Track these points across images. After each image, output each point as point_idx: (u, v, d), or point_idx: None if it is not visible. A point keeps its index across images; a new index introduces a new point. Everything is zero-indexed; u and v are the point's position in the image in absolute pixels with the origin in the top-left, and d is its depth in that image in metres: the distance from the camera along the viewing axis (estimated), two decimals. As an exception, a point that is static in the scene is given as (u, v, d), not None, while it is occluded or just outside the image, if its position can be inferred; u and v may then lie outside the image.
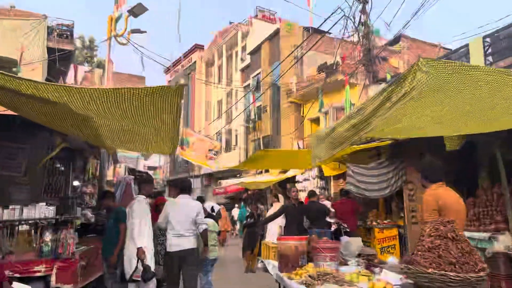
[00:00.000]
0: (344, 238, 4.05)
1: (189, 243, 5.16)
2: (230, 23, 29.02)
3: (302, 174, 13.04)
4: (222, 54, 31.38)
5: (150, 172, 25.80)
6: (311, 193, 7.74)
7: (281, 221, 8.23)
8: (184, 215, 5.24)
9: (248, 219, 8.47)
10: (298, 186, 13.13)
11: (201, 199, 7.64)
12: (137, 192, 5.85)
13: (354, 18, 9.52)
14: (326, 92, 17.66)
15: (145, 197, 5.28)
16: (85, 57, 30.86)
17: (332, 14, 9.19)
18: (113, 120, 4.14)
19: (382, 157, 8.01)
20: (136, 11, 9.42)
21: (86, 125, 5.08)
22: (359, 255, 3.63)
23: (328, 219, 7.41)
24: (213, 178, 29.83)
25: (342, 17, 9.74)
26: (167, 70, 39.46)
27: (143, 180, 5.69)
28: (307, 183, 12.42)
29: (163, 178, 39.71)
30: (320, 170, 12.04)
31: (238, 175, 23.27)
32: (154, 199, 8.57)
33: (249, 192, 22.91)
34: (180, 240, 5.13)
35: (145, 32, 10.89)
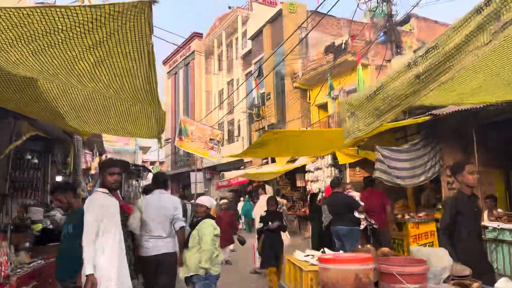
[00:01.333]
0: (414, 249, 2.71)
1: (167, 245, 4.47)
2: (229, 7, 27.56)
3: (313, 162, 11.75)
4: (221, 42, 29.98)
5: (150, 167, 24.58)
6: (336, 182, 6.43)
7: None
8: (160, 213, 4.51)
9: (269, 223, 6.03)
10: (309, 176, 11.84)
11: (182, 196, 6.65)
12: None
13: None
14: (334, 75, 16.28)
15: (107, 190, 3.53)
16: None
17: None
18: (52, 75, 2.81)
19: (414, 138, 6.70)
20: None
21: (36, 97, 3.80)
22: (448, 278, 2.31)
23: (356, 215, 6.12)
24: (215, 171, 28.61)
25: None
26: (166, 61, 38.13)
27: (102, 165, 3.81)
28: (319, 172, 11.13)
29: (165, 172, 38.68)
30: (334, 158, 10.73)
31: (242, 167, 22.00)
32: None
33: (254, 184, 21.67)
34: (158, 242, 4.42)
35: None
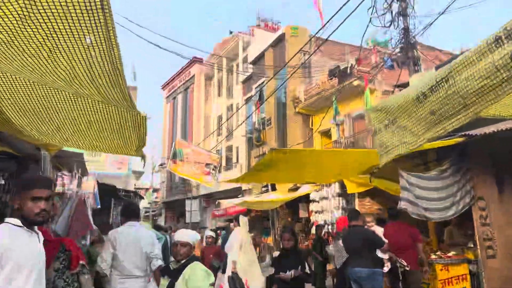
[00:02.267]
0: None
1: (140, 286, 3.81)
2: (230, 32, 27.24)
3: (318, 191, 10.75)
4: (222, 67, 29.53)
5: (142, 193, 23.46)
6: (354, 214, 5.41)
7: (236, 253, 5.92)
8: (135, 249, 3.85)
9: (287, 271, 4.41)
10: (314, 206, 10.82)
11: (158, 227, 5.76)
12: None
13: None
14: (339, 100, 15.54)
15: (20, 222, 2.16)
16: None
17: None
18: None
19: (436, 165, 5.77)
20: None
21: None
22: None
23: (379, 254, 5.10)
24: (212, 199, 27.45)
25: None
26: (165, 85, 37.66)
27: (20, 185, 2.31)
28: (325, 202, 10.11)
29: (160, 200, 37.33)
30: (342, 186, 9.75)
31: (240, 196, 20.91)
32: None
33: (252, 214, 20.50)
34: (130, 283, 3.79)
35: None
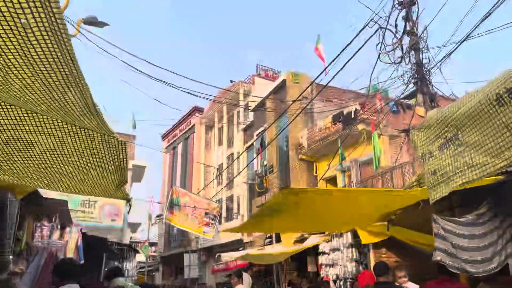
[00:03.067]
0: None
1: None
2: (231, 82, 27.31)
3: (328, 242, 9.77)
4: (222, 115, 29.36)
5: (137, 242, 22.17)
6: (381, 267, 4.46)
7: None
8: None
9: None
10: (323, 259, 9.78)
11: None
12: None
13: (396, 26, 7.05)
14: (343, 145, 14.93)
15: None
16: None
17: (363, 28, 6.69)
18: None
19: (480, 208, 4.95)
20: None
21: None
22: None
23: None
24: (211, 253, 26.00)
25: (377, 30, 7.25)
26: (165, 136, 37.39)
27: None
28: (337, 255, 9.10)
29: (157, 255, 35.61)
30: (355, 236, 8.82)
31: (241, 248, 19.67)
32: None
33: (255, 269, 19.13)
34: None
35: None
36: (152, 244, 43.78)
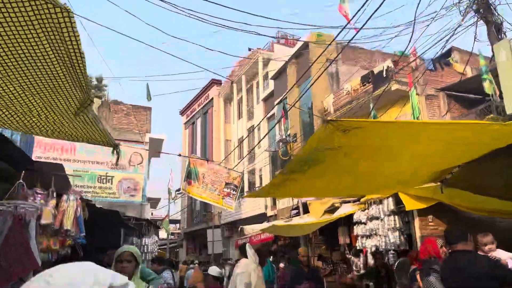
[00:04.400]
0: None
1: None
2: (249, 49, 25.92)
3: (363, 210, 8.63)
4: (241, 87, 28.12)
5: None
6: (458, 233, 3.24)
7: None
8: None
9: None
10: (359, 229, 8.66)
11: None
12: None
13: None
14: (375, 108, 13.56)
15: None
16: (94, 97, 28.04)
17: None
18: None
19: None
20: None
21: None
22: None
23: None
24: (235, 227, 25.33)
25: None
26: (183, 111, 36.53)
27: None
28: (375, 224, 7.96)
29: (181, 230, 35.41)
30: (398, 202, 7.65)
31: (265, 222, 18.77)
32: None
33: (280, 243, 18.27)
34: None
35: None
36: (175, 221, 43.75)
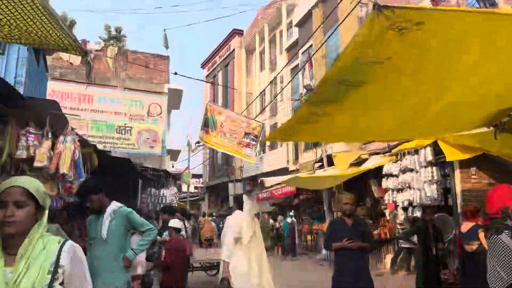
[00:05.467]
0: None
1: None
2: (273, -4, 24.28)
3: (395, 162, 7.84)
4: (264, 37, 26.74)
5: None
6: None
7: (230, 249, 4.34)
8: None
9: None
10: (390, 182, 7.93)
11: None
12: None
13: None
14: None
15: None
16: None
17: None
18: None
19: None
20: None
21: None
22: None
23: None
24: (256, 181, 25.07)
25: None
26: (204, 64, 35.53)
27: None
28: (409, 176, 7.19)
29: (203, 184, 35.63)
30: (437, 152, 6.80)
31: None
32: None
33: (302, 197, 17.82)
34: None
35: None
36: (198, 176, 44.09)
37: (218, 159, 31.92)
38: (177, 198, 15.44)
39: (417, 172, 7.01)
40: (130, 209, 3.32)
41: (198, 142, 22.17)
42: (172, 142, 18.69)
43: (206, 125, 10.53)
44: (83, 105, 16.60)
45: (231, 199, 26.33)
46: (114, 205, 3.26)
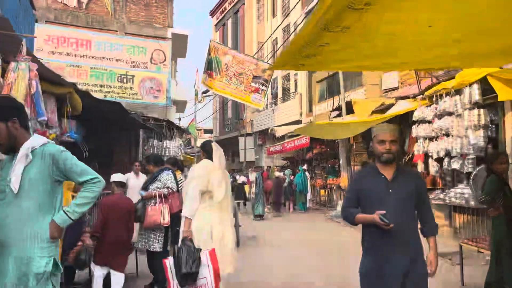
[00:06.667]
0: None
1: None
2: None
3: (428, 106, 6.63)
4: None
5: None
6: None
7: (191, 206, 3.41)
8: None
9: None
10: (421, 130, 6.76)
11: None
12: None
13: None
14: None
15: None
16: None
17: None
18: None
19: None
20: None
21: None
22: None
23: None
24: (268, 135, 24.07)
25: None
26: (213, 11, 33.52)
27: None
28: (448, 121, 6.01)
29: (213, 138, 34.81)
30: (484, 92, 5.55)
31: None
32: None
33: (315, 151, 16.80)
34: None
35: None
36: (208, 131, 43.28)
37: (228, 113, 30.86)
38: (183, 151, 14.55)
39: (458, 116, 5.81)
40: (60, 148, 2.18)
41: (205, 92, 20.94)
42: (177, 93, 17.52)
43: (210, 67, 9.35)
44: (81, 50, 15.42)
45: (241, 153, 25.56)
46: (35, 140, 2.12)
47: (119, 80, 15.67)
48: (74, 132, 6.27)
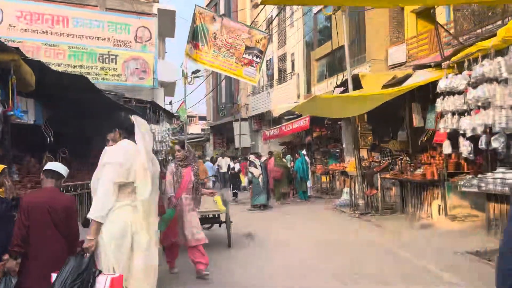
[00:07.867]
0: None
1: None
2: None
3: (455, 75, 5.45)
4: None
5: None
6: None
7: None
8: None
9: None
10: (447, 104, 5.59)
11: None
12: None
13: None
14: None
15: None
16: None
17: None
18: None
19: None
20: None
21: None
22: None
23: None
24: (264, 120, 22.85)
25: None
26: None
27: None
28: (486, 90, 4.84)
29: (207, 124, 33.55)
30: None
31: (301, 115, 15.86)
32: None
33: (315, 134, 15.65)
34: None
35: None
36: (202, 118, 41.88)
37: (222, 97, 29.54)
38: (170, 136, 13.33)
39: (500, 82, 4.63)
40: None
41: (194, 72, 19.60)
42: (165, 74, 16.19)
43: (195, 37, 8.07)
44: (58, 28, 14.04)
45: (236, 139, 24.38)
46: None
47: (100, 60, 14.34)
48: (21, 110, 5.04)
